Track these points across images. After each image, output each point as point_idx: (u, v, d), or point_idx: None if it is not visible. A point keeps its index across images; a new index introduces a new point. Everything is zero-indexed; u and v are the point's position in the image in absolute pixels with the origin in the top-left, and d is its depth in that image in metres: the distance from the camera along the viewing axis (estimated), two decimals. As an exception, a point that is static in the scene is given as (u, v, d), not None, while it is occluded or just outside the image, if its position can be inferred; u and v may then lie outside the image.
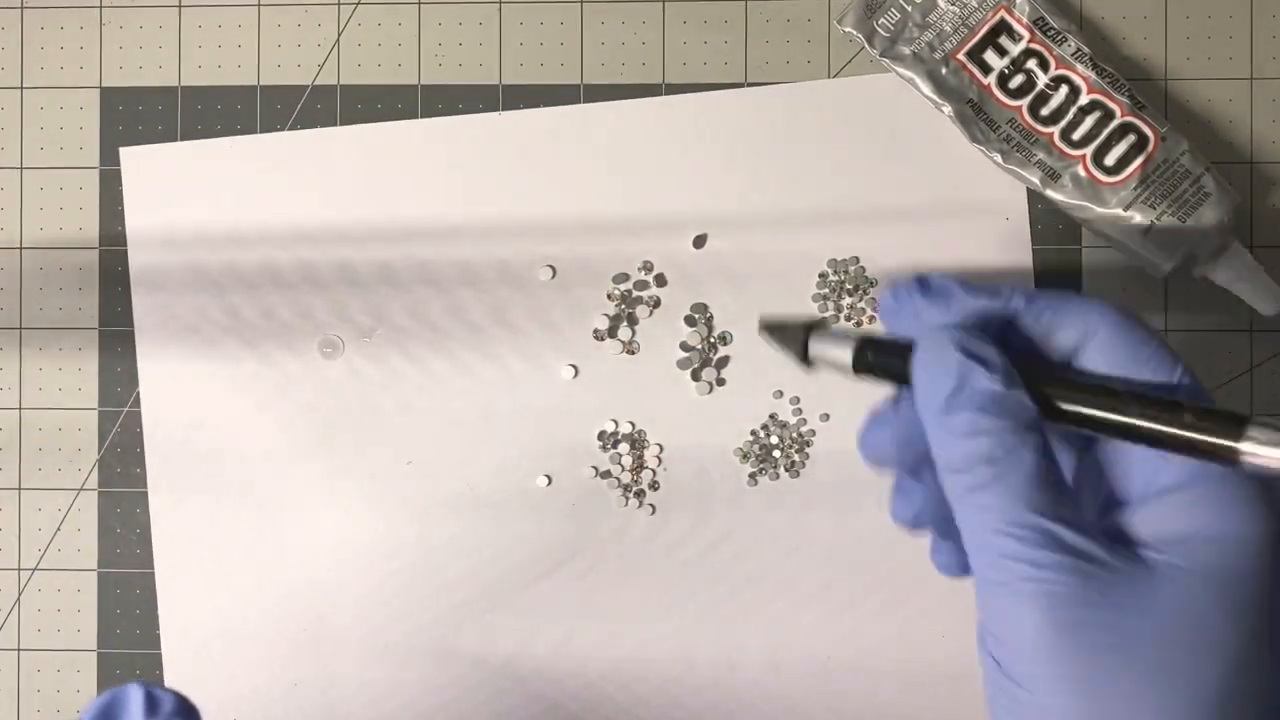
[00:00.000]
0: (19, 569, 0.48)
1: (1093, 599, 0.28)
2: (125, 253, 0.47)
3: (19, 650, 0.48)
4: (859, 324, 0.46)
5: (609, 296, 0.47)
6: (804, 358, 0.38)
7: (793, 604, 0.46)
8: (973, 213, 0.46)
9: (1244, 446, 0.26)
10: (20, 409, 0.48)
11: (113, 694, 0.31)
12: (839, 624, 0.46)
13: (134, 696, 0.30)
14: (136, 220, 0.47)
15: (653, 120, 0.47)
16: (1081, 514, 0.28)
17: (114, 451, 0.47)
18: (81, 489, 0.48)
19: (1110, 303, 0.30)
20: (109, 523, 0.47)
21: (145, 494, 0.47)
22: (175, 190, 0.47)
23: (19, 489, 0.48)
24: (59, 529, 0.48)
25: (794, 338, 0.37)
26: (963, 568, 0.31)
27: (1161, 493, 0.29)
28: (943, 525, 0.31)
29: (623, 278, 0.47)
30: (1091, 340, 0.30)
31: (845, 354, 0.35)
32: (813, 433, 0.46)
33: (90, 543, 0.48)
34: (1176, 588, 0.28)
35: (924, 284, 0.32)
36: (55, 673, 0.48)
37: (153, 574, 0.47)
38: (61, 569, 0.48)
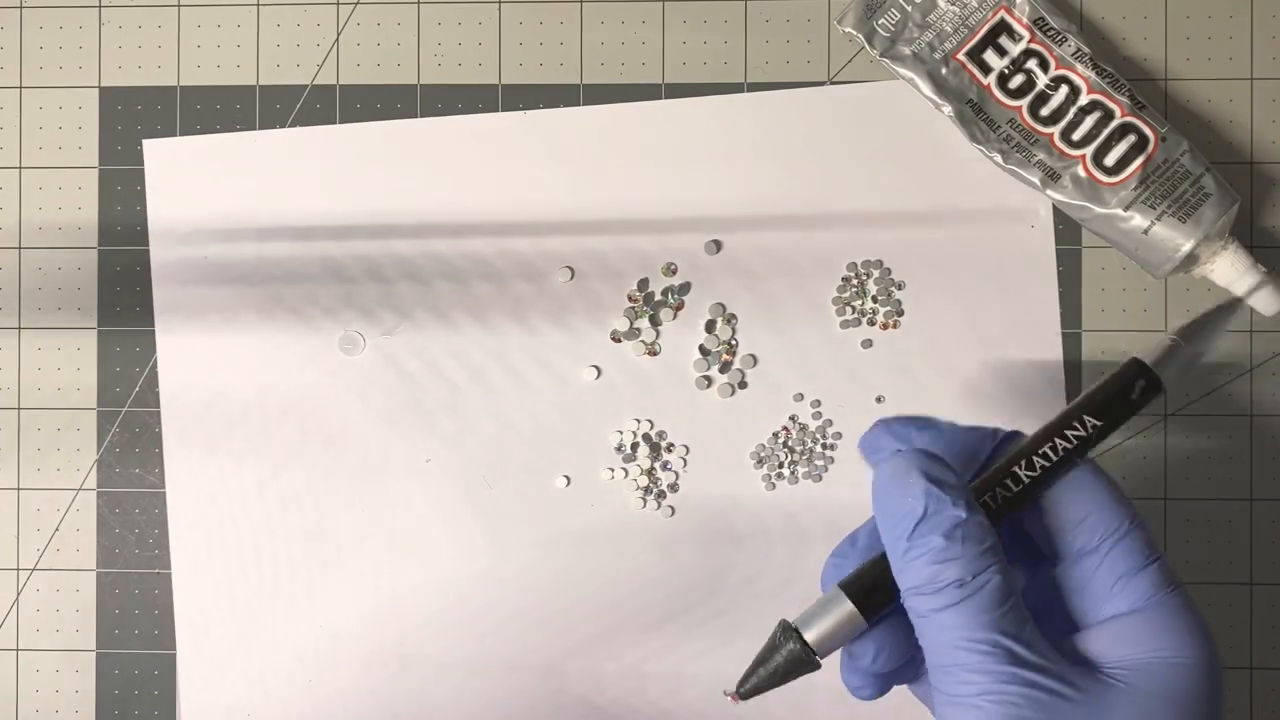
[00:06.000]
0: (18, 569, 0.48)
1: (1053, 715, 0.28)
2: (124, 252, 0.47)
3: (18, 650, 0.48)
4: (884, 327, 0.46)
5: (629, 298, 0.46)
6: (811, 661, 0.31)
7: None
8: (997, 217, 0.46)
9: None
10: (19, 409, 0.48)
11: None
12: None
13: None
14: (158, 213, 0.47)
15: (668, 122, 0.47)
16: (1039, 634, 0.30)
17: (113, 452, 0.47)
18: (80, 489, 0.48)
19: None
20: (108, 523, 0.47)
21: (144, 494, 0.47)
22: (196, 183, 0.47)
23: (18, 489, 0.48)
24: (58, 529, 0.48)
25: (791, 660, 0.31)
26: (875, 687, 0.32)
27: (1115, 617, 0.30)
28: (897, 664, 0.31)
29: (644, 281, 0.46)
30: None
31: (842, 614, 0.31)
32: (838, 435, 0.46)
33: (89, 543, 0.47)
34: (1136, 707, 0.29)
35: (893, 421, 0.33)
36: (54, 673, 0.48)
37: (152, 574, 0.47)
38: (60, 569, 0.48)
